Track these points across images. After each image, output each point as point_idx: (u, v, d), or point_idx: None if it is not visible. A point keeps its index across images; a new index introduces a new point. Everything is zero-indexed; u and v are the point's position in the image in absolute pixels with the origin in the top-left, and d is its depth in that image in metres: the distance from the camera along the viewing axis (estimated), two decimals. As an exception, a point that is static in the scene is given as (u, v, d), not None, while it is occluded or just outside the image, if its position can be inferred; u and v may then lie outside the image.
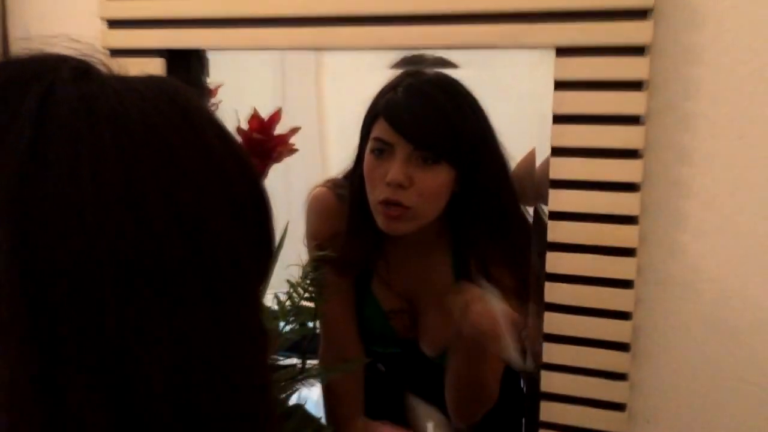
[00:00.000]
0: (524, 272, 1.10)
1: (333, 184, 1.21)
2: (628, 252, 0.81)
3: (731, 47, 0.76)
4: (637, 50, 0.76)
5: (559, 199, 0.81)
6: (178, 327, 0.39)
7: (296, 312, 1.18)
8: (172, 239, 0.39)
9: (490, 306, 0.98)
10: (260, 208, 0.46)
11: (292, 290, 1.18)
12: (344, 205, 1.16)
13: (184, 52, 0.87)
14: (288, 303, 1.19)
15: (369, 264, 1.18)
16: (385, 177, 1.04)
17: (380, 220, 1.07)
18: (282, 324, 1.18)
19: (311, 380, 1.18)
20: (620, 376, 0.84)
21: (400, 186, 1.03)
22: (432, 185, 1.05)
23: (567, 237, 0.82)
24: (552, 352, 0.85)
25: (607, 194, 0.80)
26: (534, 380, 0.90)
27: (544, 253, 0.84)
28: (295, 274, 1.17)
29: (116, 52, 0.87)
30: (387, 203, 1.04)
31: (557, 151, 0.80)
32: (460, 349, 1.08)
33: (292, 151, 1.10)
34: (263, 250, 0.46)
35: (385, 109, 1.06)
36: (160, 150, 0.41)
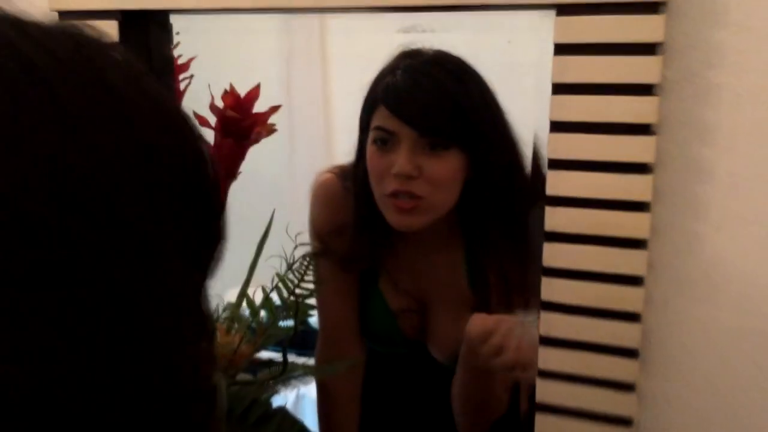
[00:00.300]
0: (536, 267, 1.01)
1: (341, 171, 1.12)
2: (637, 244, 0.70)
3: (762, 6, 0.66)
4: (651, 7, 0.65)
5: (558, 182, 0.71)
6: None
7: (285, 307, 1.10)
8: (40, 191, 0.32)
9: (525, 339, 0.90)
10: (191, 165, 0.40)
11: (279, 283, 1.10)
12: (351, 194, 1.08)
13: (141, 15, 0.78)
14: (276, 297, 1.11)
15: (376, 261, 1.09)
16: (391, 169, 0.95)
17: (390, 216, 0.98)
18: (265, 318, 1.10)
19: (296, 381, 1.10)
20: (627, 387, 0.73)
21: (408, 177, 0.94)
22: (443, 173, 0.96)
23: (567, 226, 0.71)
24: (549, 358, 0.74)
25: (613, 176, 0.69)
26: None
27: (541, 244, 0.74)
28: (278, 266, 1.09)
29: (65, 14, 0.78)
30: (396, 194, 0.95)
31: (556, 126, 0.70)
32: (471, 362, 0.99)
33: (271, 131, 1.00)
34: (198, 216, 0.41)
35: (385, 95, 0.97)
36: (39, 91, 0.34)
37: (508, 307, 1.01)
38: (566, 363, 0.74)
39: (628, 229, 0.70)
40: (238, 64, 2.14)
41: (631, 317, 0.72)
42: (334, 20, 2.13)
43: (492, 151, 1.00)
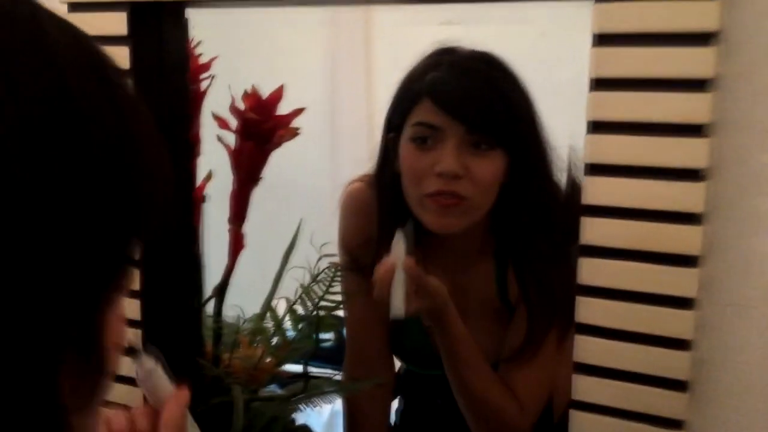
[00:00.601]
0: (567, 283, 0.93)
1: (371, 180, 1.06)
2: (687, 261, 0.62)
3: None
4: (705, -10, 0.57)
5: (596, 190, 0.63)
6: None
7: (309, 320, 1.04)
8: None
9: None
10: (115, 128, 0.34)
11: (304, 296, 1.05)
12: None
13: (152, 6, 0.73)
14: (300, 309, 1.06)
15: None
16: (432, 168, 0.89)
17: (429, 217, 0.92)
18: (291, 332, 1.05)
19: (320, 399, 1.04)
20: (674, 424, 0.64)
21: (455, 176, 0.88)
22: (488, 174, 0.91)
23: (606, 239, 0.63)
24: (584, 388, 0.66)
25: (660, 184, 0.61)
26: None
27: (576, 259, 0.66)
28: (302, 278, 1.03)
29: (75, 6, 0.75)
30: (439, 194, 0.89)
31: (595, 127, 0.62)
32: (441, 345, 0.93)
33: (294, 134, 0.95)
34: (115, 210, 0.34)
35: (431, 89, 0.91)
36: None
37: (538, 324, 0.94)
38: (604, 394, 0.65)
39: (677, 244, 0.62)
40: (282, 60, 2.12)
41: (679, 344, 0.63)
42: (379, 13, 2.09)
43: (531, 154, 0.94)
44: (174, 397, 0.53)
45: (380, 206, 1.00)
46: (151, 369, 0.53)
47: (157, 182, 0.38)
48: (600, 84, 0.61)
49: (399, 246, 0.87)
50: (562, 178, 0.97)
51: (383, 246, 0.94)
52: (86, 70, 0.34)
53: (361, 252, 1.03)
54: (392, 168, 0.96)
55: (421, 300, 0.87)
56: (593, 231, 0.64)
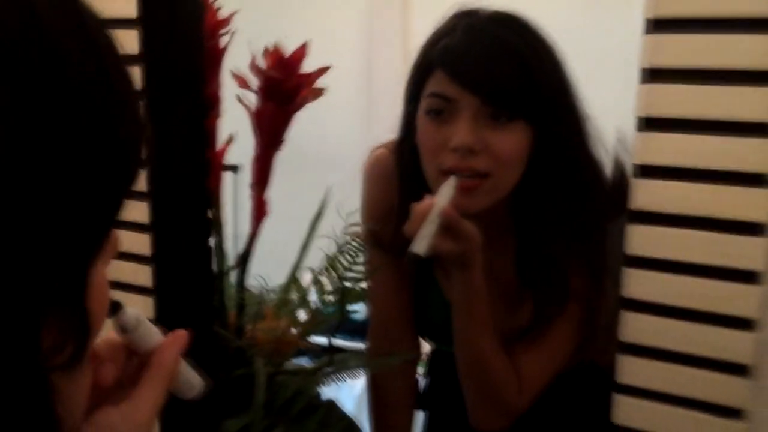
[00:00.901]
0: (600, 276, 0.86)
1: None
2: (748, 276, 0.54)
3: None
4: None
5: (647, 194, 0.56)
6: None
7: (336, 292, 1.00)
8: None
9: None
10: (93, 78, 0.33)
11: (329, 266, 1.00)
12: None
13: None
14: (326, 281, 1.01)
15: None
16: (447, 143, 0.83)
17: None
18: (316, 304, 1.01)
19: (346, 374, 1.00)
20: (733, 413, 0.59)
21: (470, 151, 0.81)
22: (510, 148, 0.84)
23: (657, 249, 0.56)
24: (631, 370, 0.60)
25: (720, 188, 0.54)
26: None
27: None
28: (328, 248, 0.98)
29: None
30: (455, 171, 0.82)
31: (647, 123, 0.54)
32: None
33: (318, 95, 0.89)
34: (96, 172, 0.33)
35: (443, 57, 0.84)
36: None
37: (544, 306, 0.89)
38: (652, 378, 0.59)
39: (736, 257, 0.55)
40: (312, 16, 2.05)
41: (743, 324, 0.57)
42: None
43: (559, 126, 0.86)
44: (169, 338, 0.49)
45: (400, 182, 0.94)
46: (137, 318, 0.48)
47: (135, 130, 0.36)
48: (653, 75, 0.53)
49: (444, 191, 0.82)
50: (600, 152, 0.90)
51: (403, 223, 0.89)
52: (62, 12, 0.33)
53: (382, 225, 0.97)
54: (412, 141, 0.90)
55: (452, 242, 0.81)
56: (641, 240, 0.58)
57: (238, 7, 0.91)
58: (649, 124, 0.53)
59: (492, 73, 0.82)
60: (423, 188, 0.88)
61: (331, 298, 1.00)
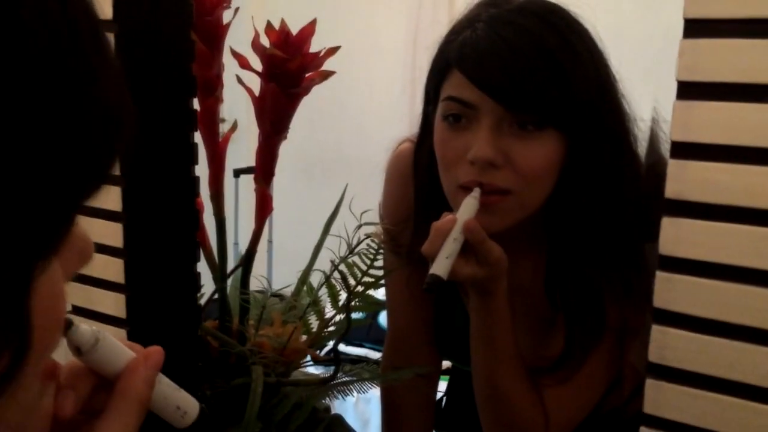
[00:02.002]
0: (639, 305, 0.75)
1: None
2: None
3: None
4: None
5: (686, 179, 0.45)
6: None
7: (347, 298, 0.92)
8: None
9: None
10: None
11: (340, 269, 0.92)
12: None
13: None
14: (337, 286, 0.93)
15: None
16: (466, 153, 0.73)
17: None
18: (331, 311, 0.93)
19: (355, 387, 0.92)
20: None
21: (491, 165, 0.71)
22: (535, 162, 0.72)
23: (696, 249, 0.45)
24: (663, 400, 0.48)
25: None
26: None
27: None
28: (338, 248, 0.90)
29: None
30: (473, 187, 0.73)
31: (686, 90, 0.44)
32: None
33: (326, 76, 0.81)
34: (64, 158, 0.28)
35: (460, 55, 0.73)
36: None
37: (577, 339, 0.77)
38: (689, 408, 0.48)
39: None
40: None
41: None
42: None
43: (599, 133, 0.74)
44: (136, 359, 0.41)
45: (416, 191, 0.85)
46: (96, 337, 0.40)
47: (114, 109, 0.30)
48: (693, 29, 0.43)
49: (466, 206, 0.72)
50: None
51: (419, 234, 0.78)
52: None
53: (400, 229, 0.88)
54: (430, 145, 0.80)
55: (475, 266, 0.72)
56: (676, 236, 0.47)
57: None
58: (690, 90, 0.42)
59: (516, 75, 0.71)
60: (442, 199, 0.78)
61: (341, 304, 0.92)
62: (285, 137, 0.84)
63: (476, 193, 0.72)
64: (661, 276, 0.47)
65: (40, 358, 0.32)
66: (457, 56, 0.74)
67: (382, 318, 1.05)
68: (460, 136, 0.74)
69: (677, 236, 0.45)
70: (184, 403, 0.43)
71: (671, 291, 0.46)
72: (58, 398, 0.38)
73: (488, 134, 0.72)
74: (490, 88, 0.71)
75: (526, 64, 0.71)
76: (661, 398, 0.47)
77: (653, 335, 0.47)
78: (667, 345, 0.47)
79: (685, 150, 0.44)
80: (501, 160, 0.72)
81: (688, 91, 0.43)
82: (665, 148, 0.75)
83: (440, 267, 0.68)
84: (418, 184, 0.85)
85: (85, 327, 0.39)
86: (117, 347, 0.41)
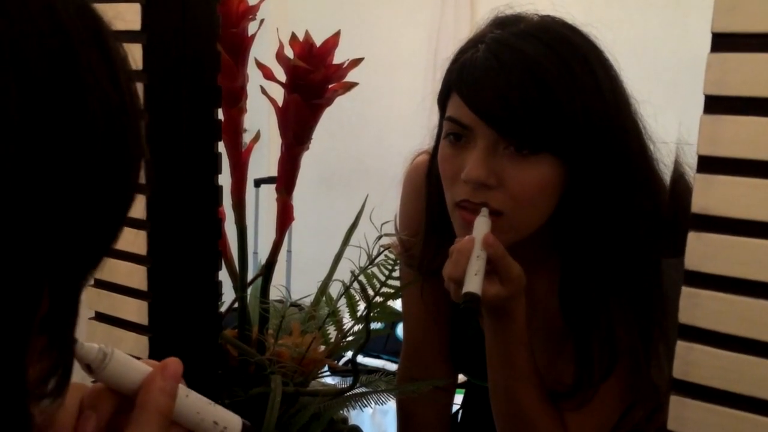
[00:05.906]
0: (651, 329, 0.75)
1: None
2: None
3: None
4: None
5: (713, 193, 0.44)
6: None
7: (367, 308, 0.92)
8: None
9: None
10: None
11: (362, 277, 0.93)
12: None
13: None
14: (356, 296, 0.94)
15: None
16: (462, 171, 0.73)
17: (456, 230, 0.76)
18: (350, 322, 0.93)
19: (371, 398, 0.92)
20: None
21: (483, 185, 0.72)
22: (526, 185, 0.72)
23: (723, 264, 0.45)
24: (691, 418, 0.48)
25: None
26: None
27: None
28: (357, 259, 0.90)
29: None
30: (467, 206, 0.73)
31: (713, 104, 0.43)
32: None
33: (349, 88, 0.82)
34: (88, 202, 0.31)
35: (458, 78, 0.74)
36: None
37: (588, 366, 0.77)
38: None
39: None
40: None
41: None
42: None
43: (599, 159, 0.73)
44: (153, 371, 0.41)
45: (427, 203, 0.85)
46: (104, 352, 0.40)
47: (138, 151, 0.34)
48: (721, 43, 0.42)
49: (479, 224, 0.72)
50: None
51: (428, 246, 0.78)
52: (90, 39, 0.32)
53: (414, 242, 0.88)
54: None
55: (499, 285, 0.71)
56: (703, 252, 0.46)
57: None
58: (717, 104, 0.42)
59: (509, 100, 0.71)
60: (445, 209, 0.79)
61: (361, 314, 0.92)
62: (307, 148, 0.84)
63: (485, 212, 0.73)
64: (686, 291, 0.46)
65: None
66: (456, 78, 0.75)
67: (400, 329, 1.04)
68: (459, 154, 0.75)
69: (703, 251, 0.45)
70: (223, 419, 0.42)
71: (697, 307, 0.46)
72: (80, 420, 0.38)
73: (482, 155, 0.72)
74: (483, 112, 0.72)
75: (519, 90, 0.71)
76: (685, 415, 0.47)
77: (678, 351, 0.47)
78: (691, 361, 0.47)
79: (711, 164, 0.44)
80: (494, 182, 0.72)
81: (715, 105, 0.43)
82: (689, 164, 0.75)
83: (473, 284, 0.68)
84: (428, 197, 0.86)
85: (90, 344, 0.39)
86: (130, 362, 0.40)
